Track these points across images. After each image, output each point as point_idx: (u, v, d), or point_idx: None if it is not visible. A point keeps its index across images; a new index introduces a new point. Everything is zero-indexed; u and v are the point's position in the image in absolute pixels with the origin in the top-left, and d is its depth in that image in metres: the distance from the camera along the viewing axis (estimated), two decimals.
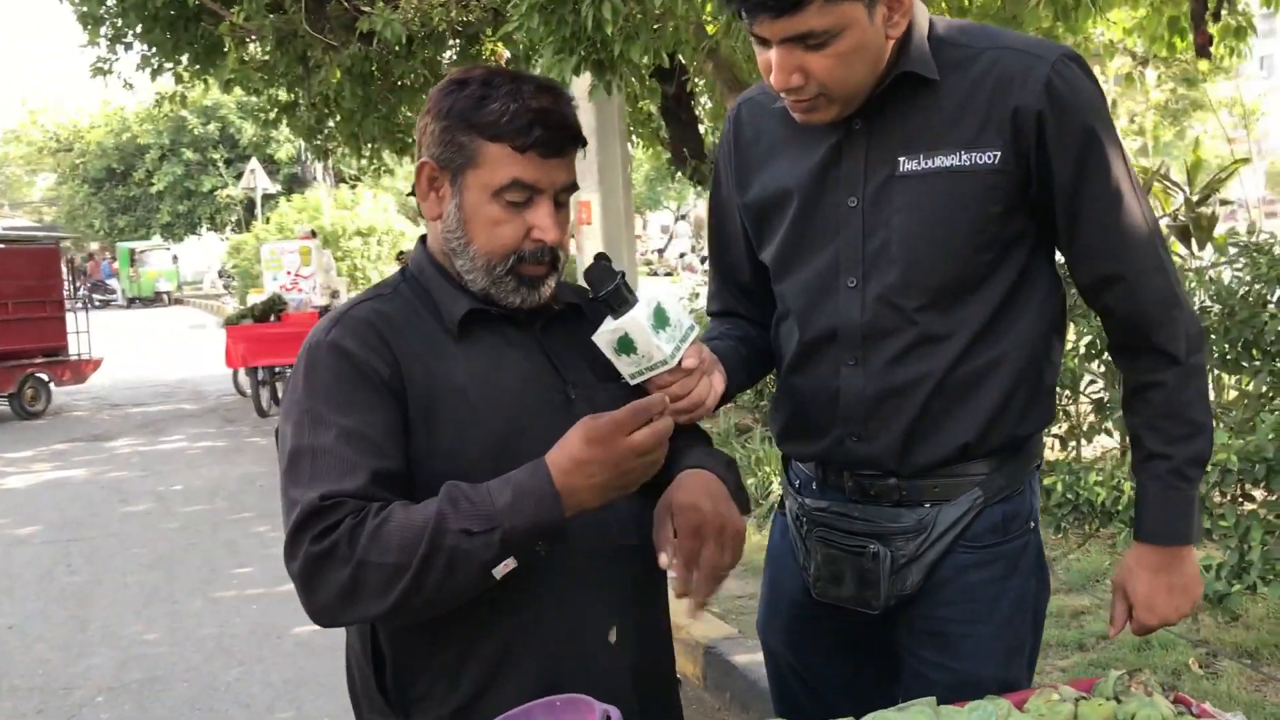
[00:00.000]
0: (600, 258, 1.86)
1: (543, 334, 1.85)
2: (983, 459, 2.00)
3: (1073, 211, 1.90)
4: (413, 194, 2.09)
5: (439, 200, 1.80)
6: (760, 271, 2.19)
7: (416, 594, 1.53)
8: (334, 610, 1.56)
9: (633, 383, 1.87)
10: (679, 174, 10.87)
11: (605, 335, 1.82)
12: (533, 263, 1.77)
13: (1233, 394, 5.58)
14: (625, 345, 1.82)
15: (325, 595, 1.55)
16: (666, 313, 1.84)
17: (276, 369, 13.47)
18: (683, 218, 46.29)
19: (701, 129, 11.08)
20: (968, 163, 1.87)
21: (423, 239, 1.91)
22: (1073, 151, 1.85)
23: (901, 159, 1.91)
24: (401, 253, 12.27)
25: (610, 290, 1.81)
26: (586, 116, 8.67)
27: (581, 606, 1.76)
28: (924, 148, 1.90)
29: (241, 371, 14.48)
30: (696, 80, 10.53)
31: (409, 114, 11.52)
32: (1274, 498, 3.87)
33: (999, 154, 1.86)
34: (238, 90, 14.59)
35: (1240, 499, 4.07)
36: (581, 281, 1.89)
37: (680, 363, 1.85)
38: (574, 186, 1.84)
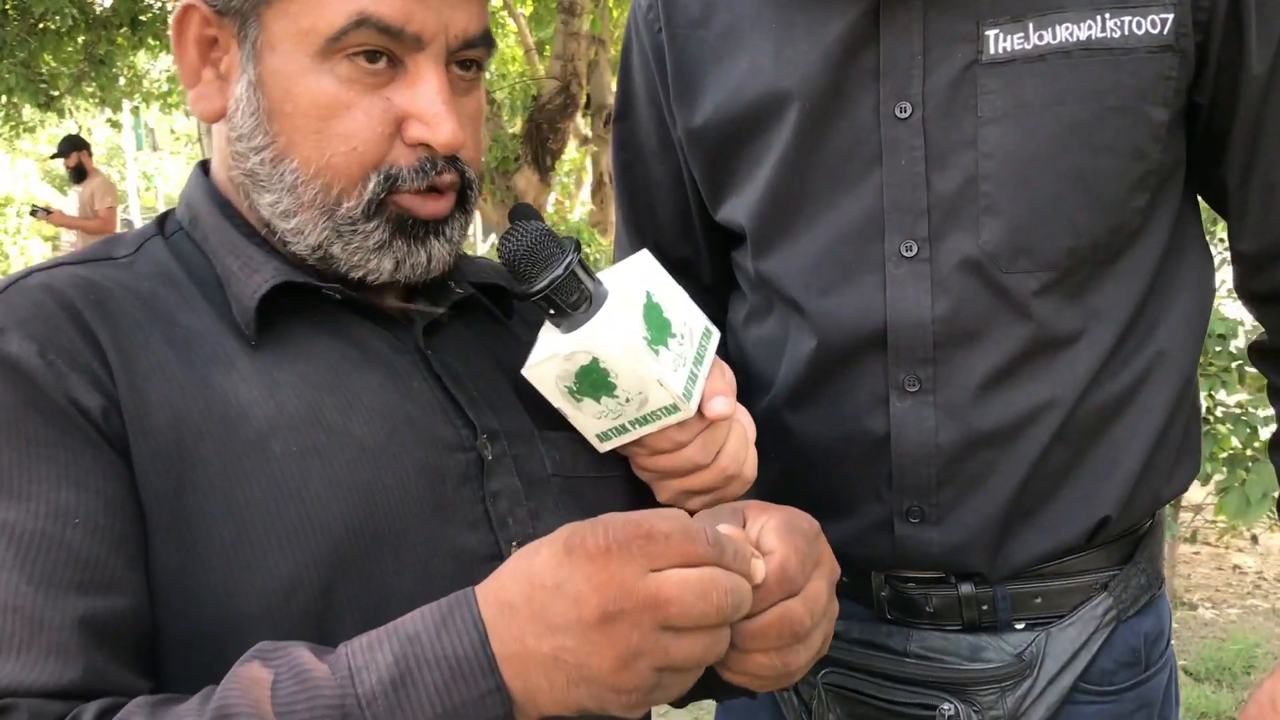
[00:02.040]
0: (522, 211, 0.94)
1: (430, 340, 0.97)
2: (1115, 542, 1.19)
3: (1259, 126, 1.10)
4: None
5: (220, 81, 0.93)
6: (715, 245, 1.30)
7: None
8: None
9: (603, 447, 0.98)
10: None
11: (550, 364, 0.92)
12: (413, 189, 0.91)
13: None
14: (591, 381, 0.91)
15: None
16: (664, 310, 0.94)
17: None
18: None
19: None
20: (1117, 33, 1.06)
21: (202, 166, 1.01)
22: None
23: (991, 32, 1.08)
24: (36, 209, 9.05)
25: (559, 275, 0.90)
26: None
27: None
28: (1032, 8, 1.06)
29: None
30: None
31: (52, 62, 9.75)
32: None
33: (1171, 15, 1.04)
34: None
35: None
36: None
37: (700, 406, 0.95)
38: (487, 42, 0.95)
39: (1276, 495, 1.67)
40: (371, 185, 0.88)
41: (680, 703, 1.11)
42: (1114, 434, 1.14)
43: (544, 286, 0.89)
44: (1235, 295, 1.28)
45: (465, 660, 0.71)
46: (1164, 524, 1.28)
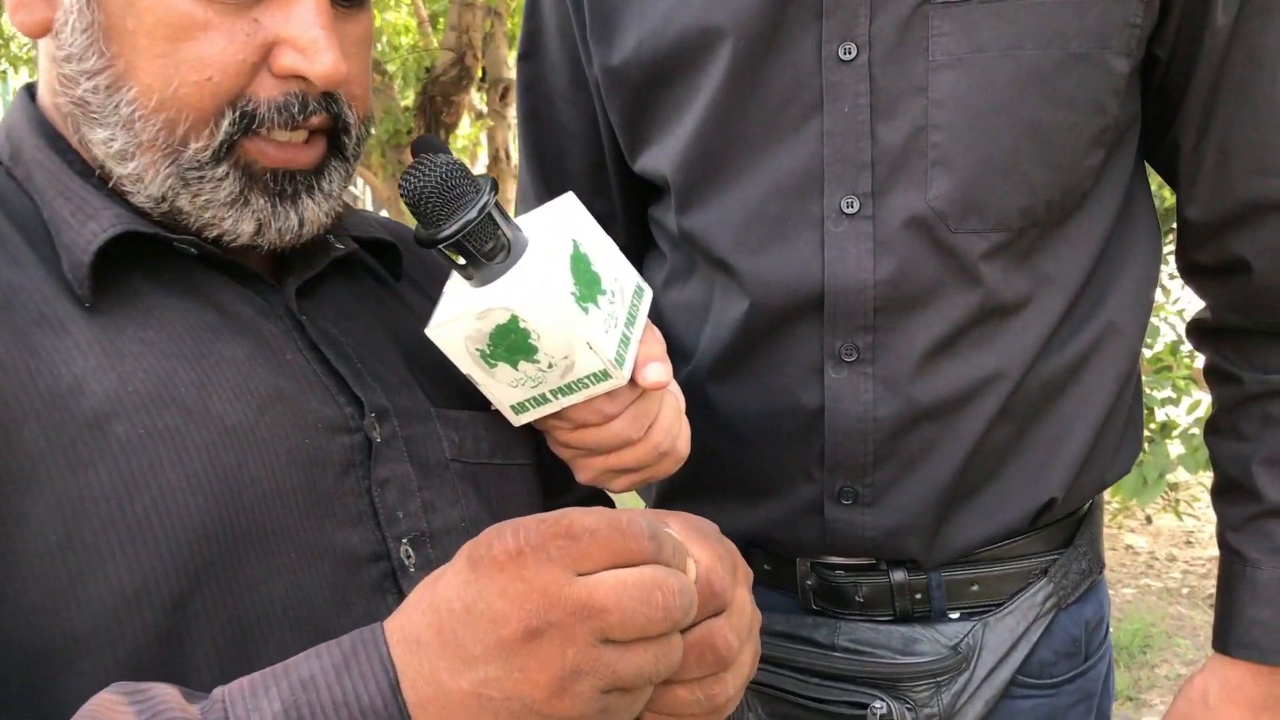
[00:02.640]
0: (427, 144, 0.80)
1: (305, 304, 0.84)
2: (1056, 525, 1.10)
3: (1217, 84, 1.02)
4: None
5: None
6: (631, 200, 1.19)
7: None
8: None
9: (518, 420, 0.85)
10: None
11: (460, 323, 0.79)
12: (282, 126, 0.76)
13: None
14: (508, 343, 0.78)
15: None
16: (592, 263, 0.81)
17: None
18: None
19: None
20: None
21: (28, 90, 0.83)
22: None
23: None
24: None
25: (473, 219, 0.76)
26: None
27: None
28: None
29: None
30: None
31: None
32: None
33: None
34: None
35: None
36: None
37: (633, 374, 0.82)
38: None
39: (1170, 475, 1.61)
40: (225, 124, 0.74)
41: None
42: (1060, 410, 1.06)
43: (455, 231, 0.75)
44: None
45: (370, 710, 0.58)
46: (1103, 505, 1.20)
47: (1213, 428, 1.18)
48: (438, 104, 7.47)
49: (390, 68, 8.32)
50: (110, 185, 0.76)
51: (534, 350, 0.78)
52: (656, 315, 1.17)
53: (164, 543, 0.66)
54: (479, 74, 7.59)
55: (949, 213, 0.99)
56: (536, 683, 0.57)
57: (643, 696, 0.62)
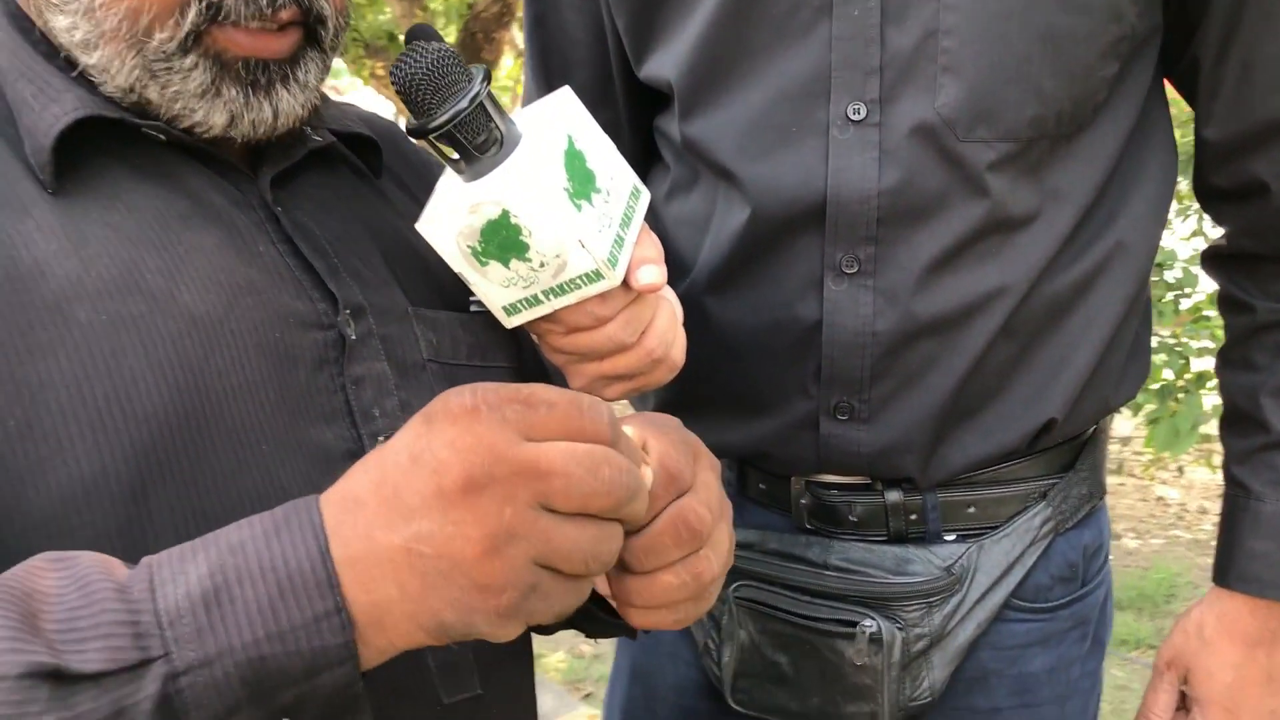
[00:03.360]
0: (421, 31, 0.77)
1: (280, 195, 0.81)
2: (1057, 449, 1.09)
3: None
4: None
5: None
6: (637, 111, 1.17)
7: None
8: None
9: (510, 321, 0.83)
10: None
11: (451, 214, 0.77)
12: (250, 18, 0.73)
13: None
14: (500, 240, 0.77)
15: None
16: (587, 159, 0.79)
17: None
18: None
19: None
20: None
21: None
22: None
23: None
24: None
25: (464, 109, 0.74)
26: None
27: None
28: None
29: None
30: None
31: None
32: None
33: None
34: None
35: None
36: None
37: (627, 276, 0.80)
38: None
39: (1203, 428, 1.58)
40: (191, 15, 0.71)
41: (549, 629, 0.99)
42: (1065, 329, 1.03)
43: (446, 120, 0.73)
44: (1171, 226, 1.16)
45: (298, 573, 0.56)
46: (1108, 432, 1.18)
47: (1224, 359, 1.16)
48: (479, 40, 7.43)
49: (433, 4, 8.28)
50: (76, 74, 0.74)
51: (525, 248, 0.76)
52: (659, 229, 1.16)
53: (124, 431, 0.65)
54: (520, 10, 7.53)
55: (957, 121, 0.96)
56: (469, 538, 0.55)
57: (576, 589, 0.60)
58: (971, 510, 1.08)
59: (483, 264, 0.78)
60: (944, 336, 1.01)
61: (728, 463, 1.16)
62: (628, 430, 0.66)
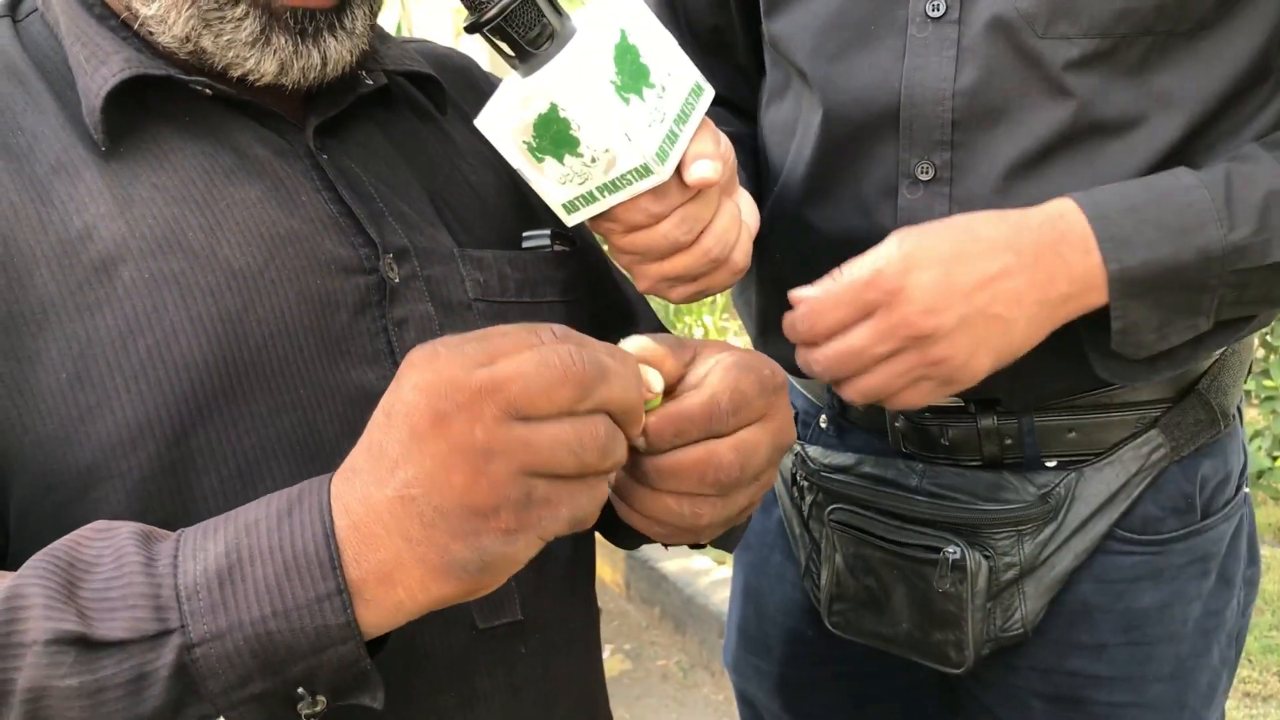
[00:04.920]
0: None
1: (328, 143, 0.84)
2: (1169, 372, 1.01)
3: None
4: None
5: None
6: (749, 14, 1.14)
7: None
8: None
9: (570, 219, 0.84)
10: None
11: (507, 109, 0.79)
12: None
13: None
14: (552, 134, 0.78)
15: None
16: (640, 54, 0.79)
17: None
18: None
19: None
20: None
21: None
22: None
23: None
24: None
25: (512, 1, 0.75)
26: None
27: None
28: None
29: None
30: None
31: None
32: None
33: None
34: None
35: None
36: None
37: (680, 170, 0.80)
38: None
39: None
40: None
41: (625, 541, 1.00)
42: None
43: (496, 14, 0.74)
44: None
45: (303, 554, 0.59)
46: (1245, 353, 1.09)
47: None
48: None
49: None
50: (137, 27, 0.78)
51: (576, 143, 0.77)
52: (761, 138, 1.14)
53: (165, 381, 0.70)
54: None
55: (1036, 15, 0.90)
56: (451, 468, 0.57)
57: (584, 490, 0.60)
58: (1073, 435, 1.02)
59: (539, 159, 0.79)
60: None
61: (825, 389, 1.15)
62: (702, 364, 0.68)
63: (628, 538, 0.90)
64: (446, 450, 0.57)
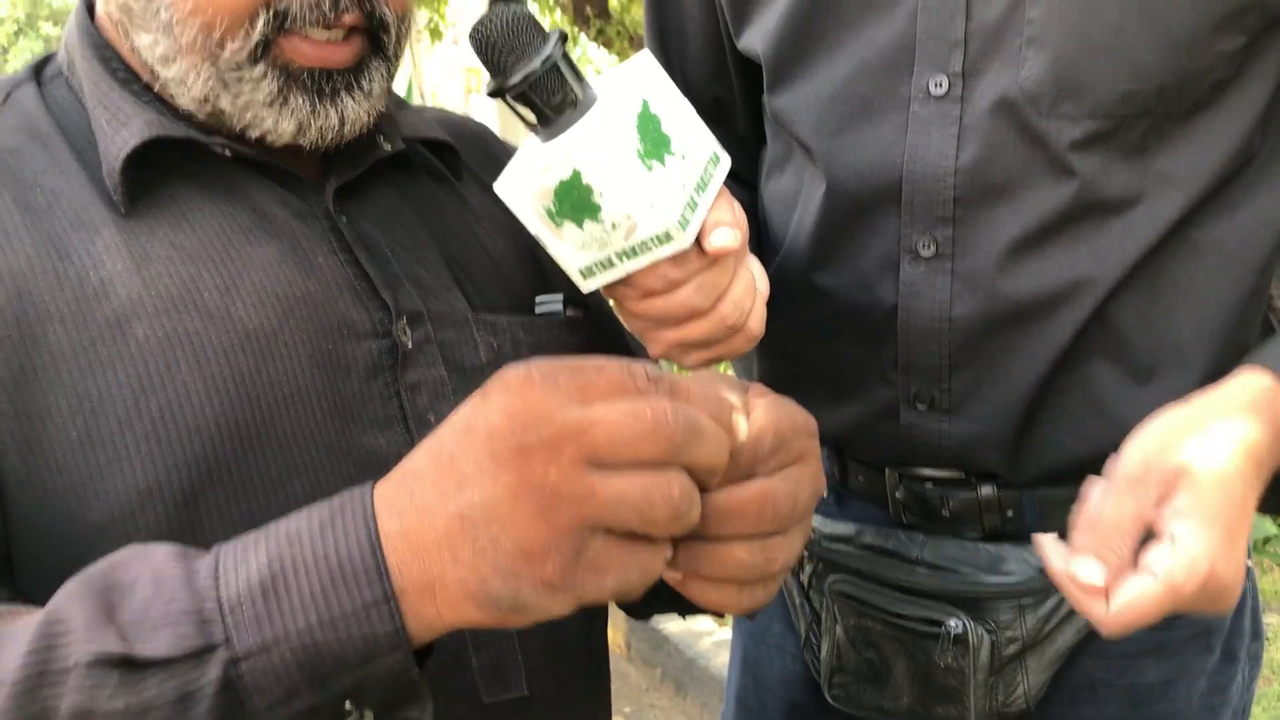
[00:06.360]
0: None
1: (347, 205, 0.85)
2: None
3: None
4: None
5: None
6: (749, 86, 1.15)
7: None
8: None
9: (587, 285, 0.83)
10: (583, 35, 9.20)
11: (527, 174, 0.79)
12: (315, 24, 0.77)
13: None
14: (573, 200, 0.78)
15: None
16: (662, 123, 0.79)
17: None
18: None
19: None
20: None
21: (85, 2, 0.87)
22: None
23: None
24: None
25: (536, 69, 0.76)
26: None
27: None
28: None
29: None
30: None
31: None
32: None
33: None
34: None
35: None
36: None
37: (700, 239, 0.80)
38: None
39: None
40: (260, 24, 0.75)
41: (638, 611, 1.00)
42: (1169, 324, 0.96)
43: (520, 81, 0.75)
44: None
45: (349, 562, 0.57)
46: None
47: None
48: None
49: None
50: (157, 89, 0.79)
51: (597, 209, 0.77)
52: (761, 209, 1.15)
53: (177, 441, 0.70)
54: None
55: (1041, 95, 0.91)
56: (518, 502, 0.55)
57: (635, 558, 0.57)
58: (1074, 508, 1.01)
59: (557, 224, 0.79)
60: (1027, 325, 0.96)
61: (827, 452, 1.14)
62: (732, 397, 0.64)
63: (641, 607, 0.88)
64: (517, 483, 0.55)
